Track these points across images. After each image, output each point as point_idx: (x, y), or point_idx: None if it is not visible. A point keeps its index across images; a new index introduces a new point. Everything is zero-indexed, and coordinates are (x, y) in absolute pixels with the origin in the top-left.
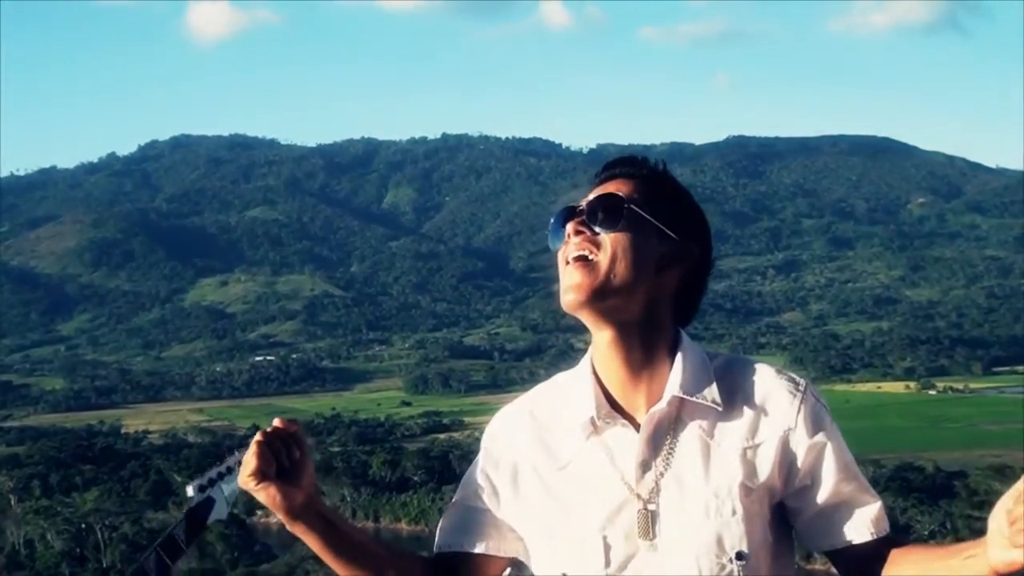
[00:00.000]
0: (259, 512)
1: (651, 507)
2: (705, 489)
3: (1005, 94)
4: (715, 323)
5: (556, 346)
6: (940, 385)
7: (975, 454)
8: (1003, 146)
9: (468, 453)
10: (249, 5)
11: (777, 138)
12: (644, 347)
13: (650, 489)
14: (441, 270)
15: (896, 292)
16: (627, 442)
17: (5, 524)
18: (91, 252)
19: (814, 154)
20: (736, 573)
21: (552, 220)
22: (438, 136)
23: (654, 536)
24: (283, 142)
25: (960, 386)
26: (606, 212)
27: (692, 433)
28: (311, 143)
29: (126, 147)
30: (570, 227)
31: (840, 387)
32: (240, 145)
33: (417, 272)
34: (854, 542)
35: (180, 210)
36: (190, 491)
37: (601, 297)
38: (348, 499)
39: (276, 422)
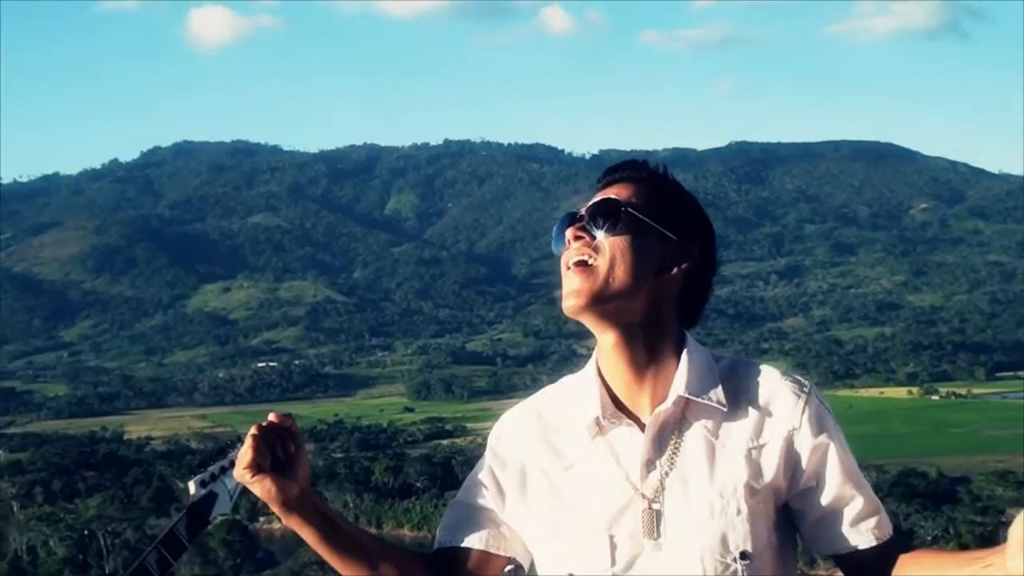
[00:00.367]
0: (262, 519)
1: (656, 507)
2: (710, 489)
3: (1007, 99)
4: (717, 328)
5: (558, 352)
6: (943, 390)
7: (978, 459)
8: (1006, 151)
9: (471, 459)
10: (251, 11)
11: (779, 144)
12: (648, 348)
13: (655, 489)
14: (443, 276)
15: (899, 297)
16: (632, 442)
17: (8, 531)
18: (94, 258)
19: (816, 160)
20: (740, 573)
21: (555, 226)
22: (440, 142)
23: (659, 536)
24: (285, 148)
25: (963, 391)
26: (604, 216)
27: (697, 433)
28: (313, 149)
29: (129, 153)
30: (569, 232)
31: (843, 392)
32: (243, 151)
33: (419, 278)
34: (860, 547)
35: (183, 216)
36: (192, 486)
37: (601, 301)
38: (351, 505)
39: (271, 416)
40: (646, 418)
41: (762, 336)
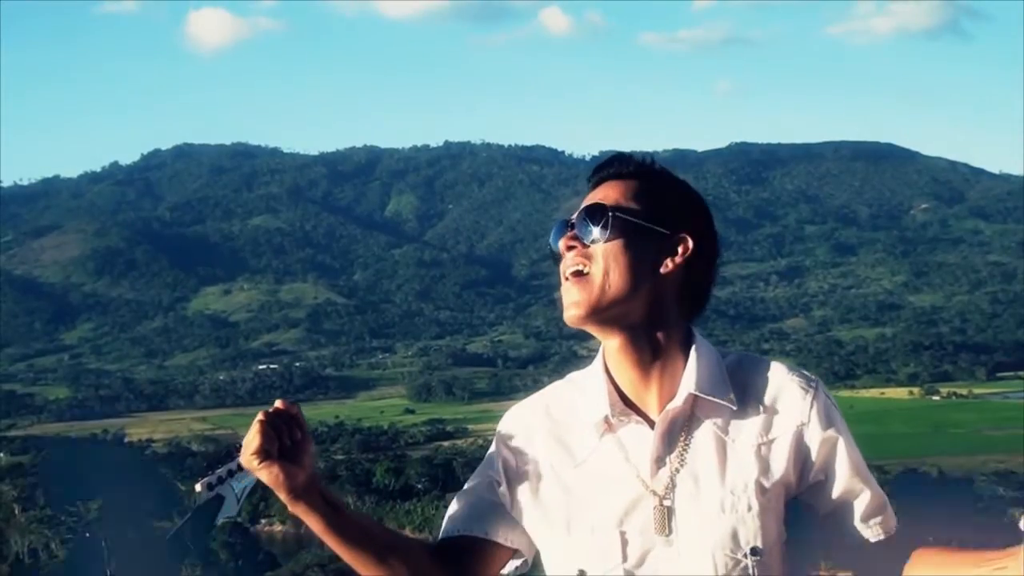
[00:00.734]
0: (263, 520)
1: (667, 503)
2: (721, 485)
3: (1007, 99)
4: (718, 330)
5: (559, 353)
6: (944, 391)
7: (979, 460)
8: (1006, 151)
9: (472, 460)
10: (249, 12)
11: (779, 144)
12: (653, 347)
13: (665, 485)
14: (444, 278)
15: (899, 298)
16: (642, 439)
17: (9, 533)
18: (94, 261)
19: (816, 160)
20: (751, 568)
21: (551, 235)
22: (440, 144)
23: (670, 532)
24: (286, 150)
25: (964, 392)
26: (592, 223)
27: (707, 430)
28: (313, 151)
29: (129, 156)
30: (562, 244)
31: (844, 393)
32: (242, 154)
33: (420, 280)
34: (869, 541)
35: (183, 219)
36: (198, 489)
37: (600, 309)
38: (352, 507)
39: (277, 403)
40: (655, 415)
41: (763, 337)
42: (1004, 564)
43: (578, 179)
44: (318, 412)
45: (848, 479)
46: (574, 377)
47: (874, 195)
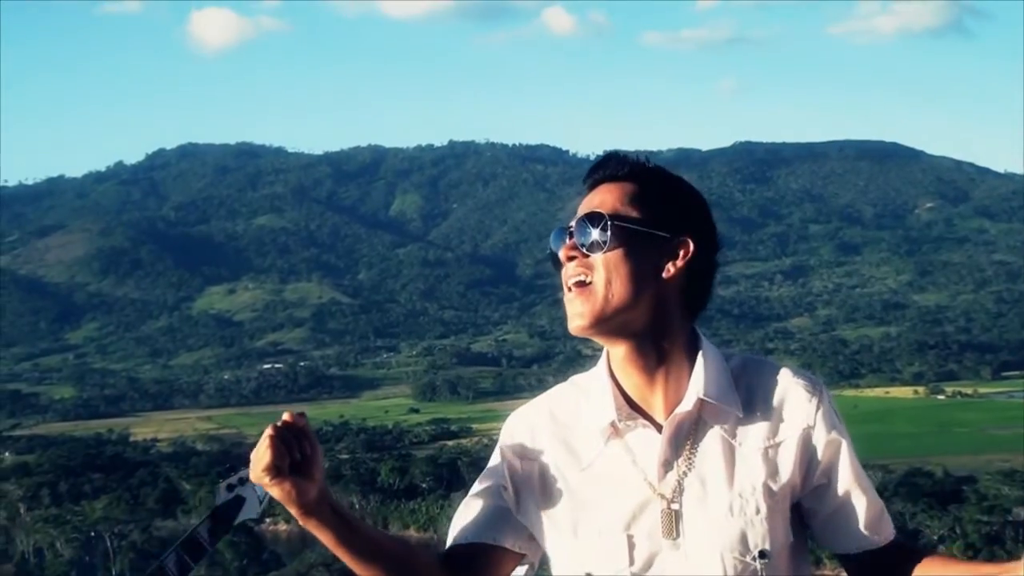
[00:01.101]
0: (268, 520)
1: (674, 506)
2: (729, 489)
3: (1012, 98)
4: (723, 329)
5: (564, 352)
6: (949, 390)
7: (984, 459)
8: (1011, 150)
9: (477, 460)
10: (253, 12)
11: (784, 144)
12: (659, 352)
13: (673, 489)
14: (448, 277)
15: (904, 297)
16: (649, 443)
17: (15, 532)
18: (99, 261)
19: (821, 159)
20: (759, 572)
21: (550, 241)
22: (445, 143)
23: (677, 535)
24: (290, 150)
25: (969, 391)
26: (592, 232)
27: (714, 434)
28: (318, 151)
29: (133, 156)
30: (562, 254)
31: (848, 392)
32: (247, 153)
33: (424, 279)
34: (868, 547)
35: (187, 218)
36: (220, 490)
37: (605, 319)
38: (357, 506)
39: (285, 416)
40: (661, 418)
41: (767, 336)
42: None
43: (582, 178)
44: (323, 412)
45: (850, 484)
46: (577, 380)
47: (879, 194)
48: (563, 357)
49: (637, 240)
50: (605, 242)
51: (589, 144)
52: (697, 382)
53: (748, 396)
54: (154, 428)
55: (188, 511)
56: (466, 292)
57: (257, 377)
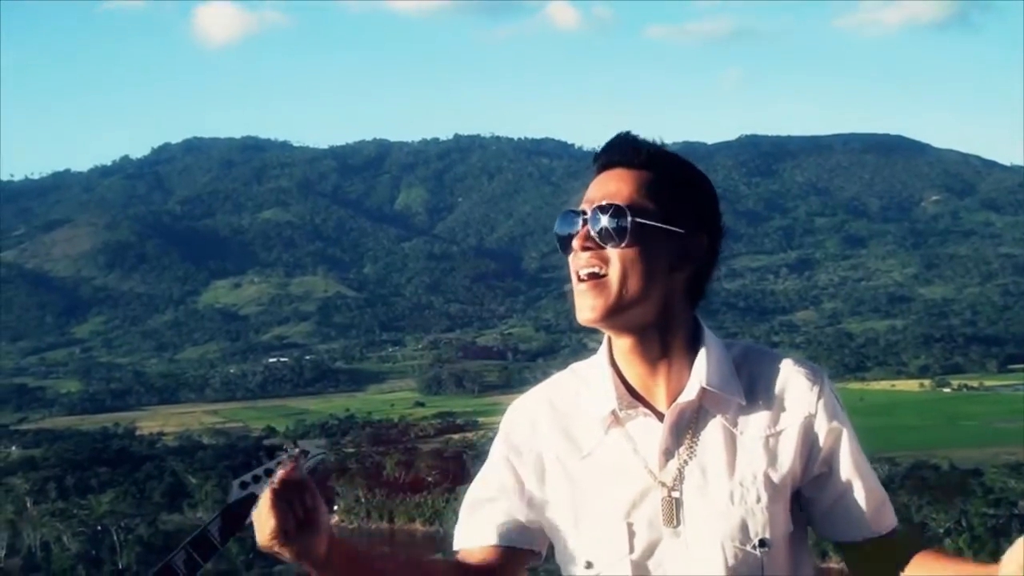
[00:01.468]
0: None
1: (675, 495)
2: (730, 477)
3: (1018, 91)
4: (728, 322)
5: (570, 346)
6: (955, 383)
7: (990, 452)
8: (1018, 143)
9: (482, 453)
10: (257, 7)
11: (790, 137)
12: (663, 343)
13: (673, 477)
14: (454, 271)
15: (910, 290)
16: (650, 431)
17: (21, 526)
18: (105, 255)
19: (827, 152)
20: (760, 559)
21: (557, 223)
22: (450, 137)
23: (678, 523)
24: (295, 144)
25: (975, 384)
26: (609, 224)
27: (716, 423)
28: (323, 145)
29: (139, 150)
30: (576, 244)
31: (854, 385)
32: (252, 147)
33: (430, 273)
34: (869, 536)
35: (193, 212)
36: (234, 487)
37: (617, 313)
38: (362, 500)
39: (279, 473)
40: (663, 407)
41: (773, 329)
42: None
43: (587, 172)
44: (328, 405)
45: (852, 473)
46: (577, 368)
47: (885, 187)
48: (569, 350)
49: (655, 236)
50: (622, 236)
51: (594, 137)
52: (699, 371)
53: (750, 385)
54: (160, 422)
55: (194, 505)
56: (471, 286)
57: (263, 371)
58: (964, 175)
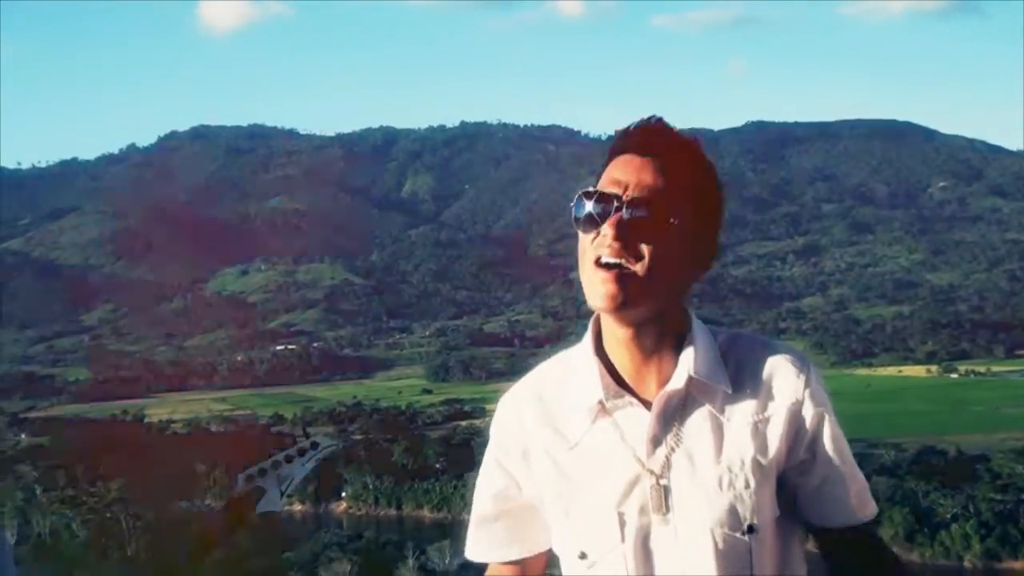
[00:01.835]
0: (282, 500)
1: (664, 482)
2: (717, 464)
3: None
4: (735, 308)
5: (576, 332)
6: (962, 369)
7: (997, 437)
8: None
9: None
10: None
11: (796, 123)
12: (658, 335)
13: (662, 464)
14: (461, 258)
15: (917, 276)
16: (637, 420)
17: (31, 514)
18: (112, 243)
19: (833, 139)
20: (749, 545)
21: (579, 202)
22: (456, 124)
23: (668, 510)
24: (302, 132)
25: (982, 369)
26: (647, 220)
27: (703, 410)
28: (330, 132)
29: (146, 138)
30: (611, 231)
31: (861, 371)
32: (259, 135)
33: (437, 260)
34: (852, 522)
35: (200, 200)
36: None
37: (634, 306)
38: (371, 487)
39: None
40: (651, 396)
41: (780, 316)
42: None
43: (594, 159)
44: (336, 392)
45: (835, 460)
46: (565, 356)
47: (891, 173)
48: (575, 337)
49: (684, 236)
50: (659, 233)
51: (600, 125)
52: (687, 360)
53: (736, 372)
54: (169, 409)
55: (203, 491)
56: (478, 273)
57: (271, 358)
58: (971, 161)
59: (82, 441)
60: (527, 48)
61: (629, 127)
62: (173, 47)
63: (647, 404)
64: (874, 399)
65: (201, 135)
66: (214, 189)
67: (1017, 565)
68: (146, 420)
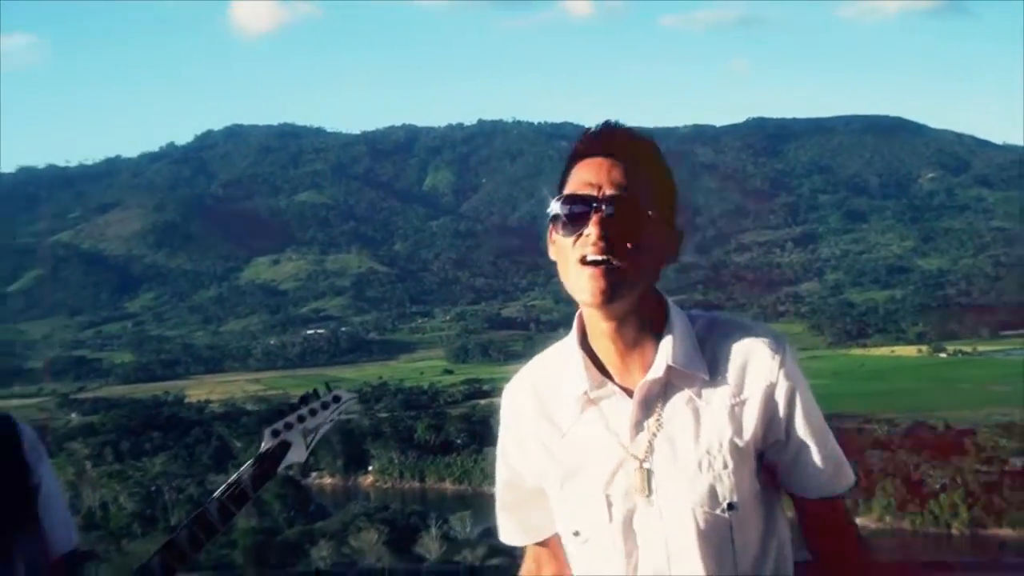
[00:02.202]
0: (314, 474)
1: (647, 466)
2: (696, 446)
3: (1010, 74)
4: (737, 293)
5: None
6: (950, 348)
7: (983, 412)
8: (1009, 123)
9: None
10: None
11: (794, 119)
12: (639, 326)
13: (644, 449)
14: (479, 247)
15: (908, 262)
16: (621, 408)
17: (82, 488)
18: (154, 235)
19: (829, 134)
20: (729, 521)
21: (559, 203)
22: (474, 122)
23: (651, 492)
24: (329, 130)
25: (969, 349)
26: (628, 221)
27: (682, 396)
28: (355, 131)
29: (184, 137)
30: (595, 230)
31: (856, 351)
32: (289, 134)
33: (456, 249)
34: (829, 493)
35: (234, 195)
36: (266, 436)
37: (620, 300)
38: (396, 461)
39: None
40: (634, 385)
41: (779, 300)
42: None
43: (592, 134)
44: (363, 373)
45: (809, 434)
46: (560, 346)
47: (884, 165)
48: None
49: (660, 234)
50: (635, 226)
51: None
52: (665, 350)
53: (713, 357)
54: (207, 390)
55: (239, 466)
56: (496, 261)
57: (301, 342)
58: (959, 154)
59: (128, 420)
60: (540, 48)
61: (589, 131)
62: (208, 50)
63: (630, 393)
64: (868, 377)
65: (235, 134)
66: (247, 184)
67: (1001, 532)
68: (186, 400)
